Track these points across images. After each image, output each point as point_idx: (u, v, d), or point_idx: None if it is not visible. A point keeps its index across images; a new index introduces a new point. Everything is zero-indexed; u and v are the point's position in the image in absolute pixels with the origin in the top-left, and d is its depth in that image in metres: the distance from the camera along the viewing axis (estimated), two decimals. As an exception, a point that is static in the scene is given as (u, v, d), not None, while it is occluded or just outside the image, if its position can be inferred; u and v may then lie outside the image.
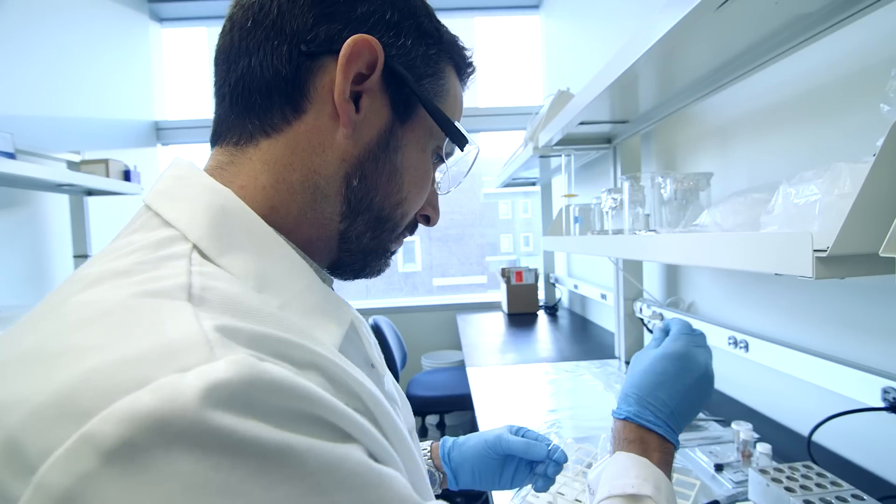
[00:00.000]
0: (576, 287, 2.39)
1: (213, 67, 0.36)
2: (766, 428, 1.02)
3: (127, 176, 2.08)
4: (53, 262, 2.02)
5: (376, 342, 0.47)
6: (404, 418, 0.44)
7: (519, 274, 2.59)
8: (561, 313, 2.59)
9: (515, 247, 13.92)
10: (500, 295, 2.82)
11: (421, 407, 2.12)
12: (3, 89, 1.83)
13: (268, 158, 0.33)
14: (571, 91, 1.63)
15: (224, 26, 0.35)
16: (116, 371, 0.19)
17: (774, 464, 0.70)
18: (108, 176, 1.97)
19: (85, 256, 2.03)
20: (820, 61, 0.88)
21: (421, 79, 0.36)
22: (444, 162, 0.40)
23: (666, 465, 0.42)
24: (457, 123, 0.38)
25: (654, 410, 0.44)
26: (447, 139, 0.38)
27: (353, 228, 0.36)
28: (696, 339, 0.48)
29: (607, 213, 1.08)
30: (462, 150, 0.40)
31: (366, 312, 2.47)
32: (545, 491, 0.58)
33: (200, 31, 3.46)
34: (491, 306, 2.90)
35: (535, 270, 2.62)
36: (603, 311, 2.18)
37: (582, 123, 1.31)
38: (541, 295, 2.79)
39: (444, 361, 2.59)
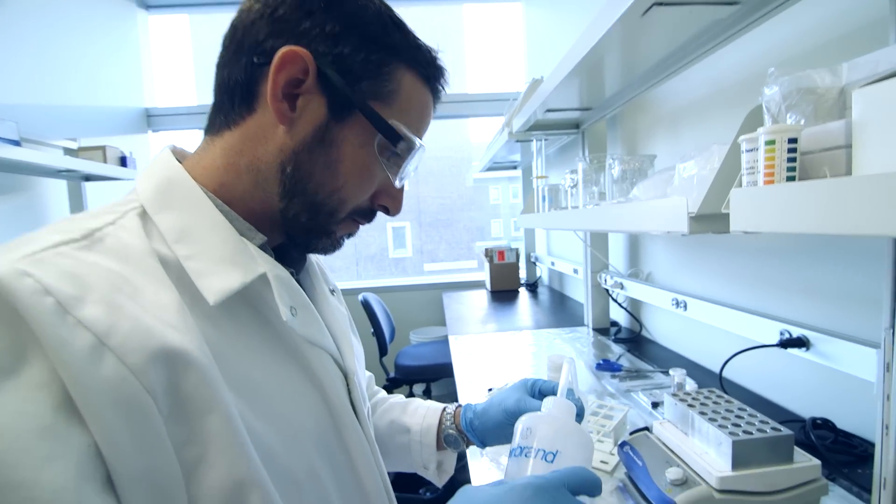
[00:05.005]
0: (553, 264, 2.55)
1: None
2: (700, 374, 1.19)
3: (123, 162, 2.17)
4: (55, 245, 2.12)
5: (329, 301, 0.53)
6: (329, 372, 0.45)
7: (501, 253, 2.74)
8: (541, 290, 2.75)
9: (506, 231, 14.08)
10: (485, 274, 2.97)
11: (408, 375, 2.29)
12: (3, 79, 1.91)
13: (225, 146, 0.42)
14: (545, 79, 1.75)
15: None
16: None
17: (695, 397, 0.86)
18: (105, 162, 2.06)
19: (85, 239, 2.13)
20: (739, 59, 1.01)
21: (358, 82, 0.40)
22: (400, 158, 0.44)
23: None
24: (395, 122, 0.42)
25: None
26: (399, 138, 0.42)
27: (290, 208, 0.42)
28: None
29: (568, 191, 1.21)
30: (396, 147, 0.43)
31: (355, 291, 2.60)
32: None
33: (183, 18, 3.50)
34: (476, 285, 3.05)
35: (517, 250, 2.77)
36: (577, 285, 2.34)
37: (550, 110, 1.44)
38: (522, 273, 2.95)
39: (431, 336, 2.75)
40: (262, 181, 0.41)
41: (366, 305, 2.38)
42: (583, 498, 0.36)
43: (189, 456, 0.31)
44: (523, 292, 2.70)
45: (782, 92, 0.48)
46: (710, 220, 0.56)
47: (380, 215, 0.49)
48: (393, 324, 2.69)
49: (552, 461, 0.39)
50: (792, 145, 0.44)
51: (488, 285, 2.81)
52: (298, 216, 0.43)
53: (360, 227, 0.48)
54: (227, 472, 0.32)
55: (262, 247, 0.42)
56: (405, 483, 1.73)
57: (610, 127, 1.66)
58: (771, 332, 0.90)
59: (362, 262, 12.41)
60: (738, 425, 0.66)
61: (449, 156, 12.53)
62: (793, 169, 0.44)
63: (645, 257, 1.57)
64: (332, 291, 0.55)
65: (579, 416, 0.51)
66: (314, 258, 0.56)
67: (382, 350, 2.42)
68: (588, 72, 1.10)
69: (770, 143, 0.44)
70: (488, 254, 2.77)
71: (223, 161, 0.42)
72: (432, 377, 2.36)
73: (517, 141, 1.87)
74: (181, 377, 0.31)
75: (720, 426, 0.66)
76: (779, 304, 0.97)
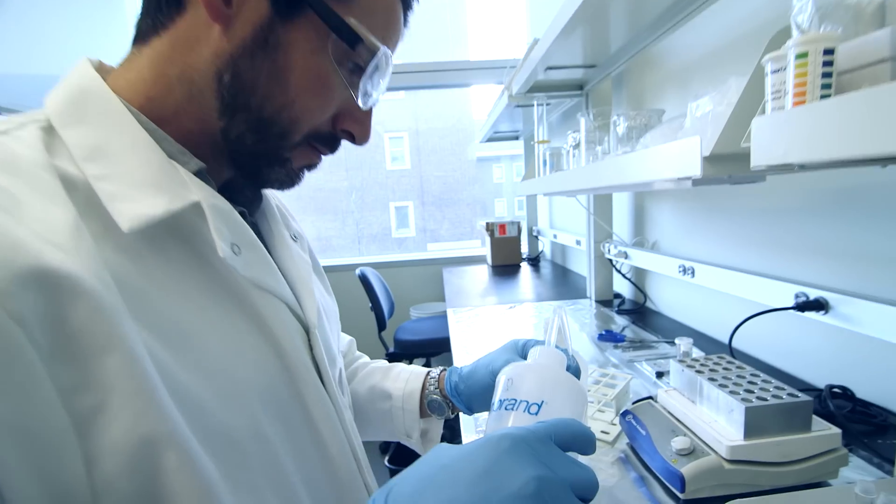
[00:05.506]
0: (555, 237, 2.48)
1: None
2: (707, 344, 1.14)
3: (112, 134, 2.11)
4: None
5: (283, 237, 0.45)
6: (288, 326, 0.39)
7: (502, 227, 2.67)
8: (543, 264, 2.70)
9: (510, 210, 13.95)
10: (485, 249, 2.91)
11: (407, 350, 2.26)
12: (-19, 46, 1.83)
13: (153, 54, 0.35)
14: (545, 31, 1.66)
15: None
16: None
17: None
18: (92, 134, 2.00)
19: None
20: (757, 5, 0.93)
21: None
22: (362, 69, 0.37)
23: None
24: (352, 21, 0.35)
25: None
26: (358, 39, 0.35)
27: (232, 127, 0.36)
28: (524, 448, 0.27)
29: (568, 151, 1.14)
30: (355, 51, 0.36)
31: (353, 266, 2.55)
32: None
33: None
34: (477, 260, 3.00)
35: (518, 223, 2.70)
36: (580, 258, 2.28)
37: (551, 68, 1.36)
38: (524, 248, 2.89)
39: (431, 311, 2.71)
40: (197, 94, 0.35)
41: (363, 279, 2.34)
42: (573, 454, 0.30)
43: (83, 404, 0.25)
44: (525, 267, 2.64)
45: (815, 2, 0.41)
46: (727, 161, 0.50)
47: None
48: (392, 299, 2.66)
49: (536, 413, 0.33)
50: (828, 57, 0.37)
51: (489, 260, 2.76)
52: (243, 137, 0.36)
53: (322, 158, 0.42)
54: (133, 426, 0.26)
55: (199, 175, 0.36)
56: (403, 457, 1.71)
57: (615, 87, 1.57)
58: (785, 295, 0.84)
59: (364, 241, 12.39)
60: (751, 391, 0.61)
61: (452, 132, 12.34)
62: (828, 86, 0.37)
63: (650, 225, 1.51)
64: (295, 238, 0.49)
65: (575, 374, 0.46)
66: (274, 200, 0.50)
67: (381, 325, 2.38)
68: (590, 19, 1.01)
69: (801, 56, 0.38)
70: (489, 228, 2.71)
71: (151, 72, 0.35)
72: (432, 352, 2.34)
73: (517, 106, 1.78)
74: (67, 307, 0.25)
75: (731, 392, 0.61)
76: (793, 268, 0.91)
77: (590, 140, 1.07)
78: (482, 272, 2.58)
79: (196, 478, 0.28)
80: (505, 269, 2.62)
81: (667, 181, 0.62)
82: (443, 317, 2.51)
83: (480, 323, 1.54)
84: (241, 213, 0.39)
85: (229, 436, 0.32)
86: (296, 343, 0.39)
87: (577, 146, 1.10)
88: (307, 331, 0.42)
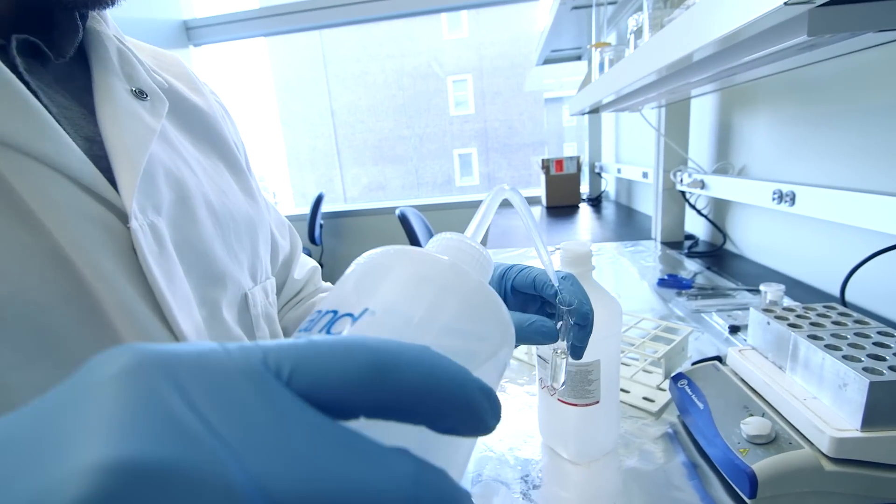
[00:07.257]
0: (619, 171, 2.17)
1: None
2: (804, 294, 0.88)
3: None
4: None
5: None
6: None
7: (559, 163, 2.39)
8: (605, 204, 2.40)
9: (580, 153, 13.07)
10: (541, 189, 2.66)
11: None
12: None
13: None
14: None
15: None
16: None
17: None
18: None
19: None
20: None
21: None
22: None
23: None
24: None
25: None
26: None
27: None
28: None
29: (629, 38, 0.88)
30: None
31: (394, 209, 2.43)
32: (579, 358, 0.32)
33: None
34: (531, 202, 2.76)
35: (577, 158, 2.40)
36: (647, 195, 1.98)
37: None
38: (584, 188, 2.60)
39: (480, 256, 2.56)
40: None
41: (402, 220, 2.21)
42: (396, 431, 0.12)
43: None
44: (584, 207, 2.37)
45: None
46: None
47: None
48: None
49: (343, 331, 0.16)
50: None
51: (543, 201, 2.51)
52: None
53: None
54: None
55: None
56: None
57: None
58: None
59: (426, 188, 12.31)
60: (879, 358, 0.40)
61: (517, 70, 11.54)
62: None
63: (738, 146, 1.20)
64: (142, 94, 0.34)
65: (582, 316, 0.29)
66: (116, 46, 0.34)
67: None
68: None
69: None
70: (544, 165, 2.44)
71: None
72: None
73: (574, 8, 1.48)
74: None
75: (847, 357, 0.40)
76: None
77: (656, 23, 0.80)
78: (534, 214, 2.35)
79: None
80: (561, 210, 2.37)
81: (770, 27, 0.39)
82: (491, 261, 2.35)
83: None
84: (31, 45, 0.27)
85: None
86: (88, 240, 0.26)
87: (638, 31, 0.84)
88: (131, 227, 0.28)
